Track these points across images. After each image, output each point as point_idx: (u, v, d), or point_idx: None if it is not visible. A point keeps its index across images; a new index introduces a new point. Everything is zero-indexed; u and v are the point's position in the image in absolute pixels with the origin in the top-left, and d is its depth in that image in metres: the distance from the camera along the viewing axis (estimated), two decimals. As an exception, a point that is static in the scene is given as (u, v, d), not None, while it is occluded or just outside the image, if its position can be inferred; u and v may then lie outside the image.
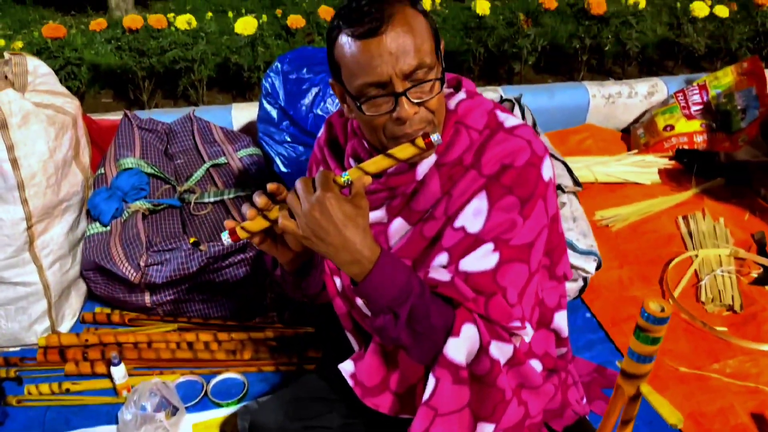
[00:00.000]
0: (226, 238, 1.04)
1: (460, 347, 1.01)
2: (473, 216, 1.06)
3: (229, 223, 1.04)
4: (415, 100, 1.01)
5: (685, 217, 2.33)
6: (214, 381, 1.69)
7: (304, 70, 2.01)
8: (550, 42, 3.24)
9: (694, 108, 2.69)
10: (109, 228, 1.80)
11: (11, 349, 1.78)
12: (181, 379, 1.69)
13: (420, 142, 0.99)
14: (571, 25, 3.37)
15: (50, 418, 1.59)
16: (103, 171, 1.91)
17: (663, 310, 0.84)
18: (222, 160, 2.07)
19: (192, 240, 1.65)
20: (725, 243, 2.18)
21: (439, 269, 1.06)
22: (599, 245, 2.15)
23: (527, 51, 2.96)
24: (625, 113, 3.00)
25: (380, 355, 1.13)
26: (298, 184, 0.95)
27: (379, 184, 1.14)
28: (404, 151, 1.01)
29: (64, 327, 1.83)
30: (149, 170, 1.93)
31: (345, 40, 1.01)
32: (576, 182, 2.02)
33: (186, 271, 1.69)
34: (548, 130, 2.86)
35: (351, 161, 1.20)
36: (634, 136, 2.83)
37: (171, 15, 2.67)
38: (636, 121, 3.00)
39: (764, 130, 2.43)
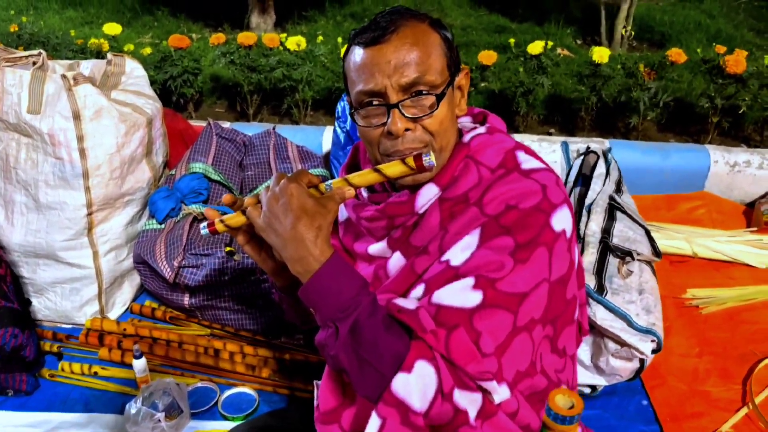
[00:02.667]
0: (203, 228, 1.03)
1: (411, 385, 0.86)
2: (460, 251, 0.96)
3: (209, 213, 1.03)
4: (409, 115, 0.95)
5: (796, 312, 1.99)
6: (227, 393, 1.67)
7: (346, 100, 1.98)
8: (680, 99, 2.97)
9: (834, 188, 2.31)
10: (163, 226, 1.87)
11: (62, 326, 1.89)
12: (198, 384, 1.69)
13: (410, 161, 0.93)
14: (704, 83, 3.07)
15: (72, 398, 1.66)
16: (174, 172, 2.00)
17: (572, 406, 0.68)
18: (288, 176, 2.09)
19: (228, 249, 1.67)
20: (840, 351, 1.83)
21: (402, 299, 0.96)
22: (680, 327, 1.89)
23: (645, 104, 2.73)
24: (754, 185, 2.64)
25: (334, 380, 1.03)
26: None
27: (376, 210, 1.07)
28: (393, 168, 0.95)
29: (113, 314, 1.92)
30: (215, 177, 1.99)
31: (352, 49, 1.00)
32: (655, 251, 1.79)
33: (218, 277, 1.71)
34: (656, 192, 2.60)
35: (362, 190, 1.15)
36: (757, 212, 2.48)
37: (284, 35, 2.78)
38: (764, 195, 2.64)
39: None
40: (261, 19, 4.18)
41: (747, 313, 2.01)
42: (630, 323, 1.58)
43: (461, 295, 0.91)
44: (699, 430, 1.59)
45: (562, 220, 0.97)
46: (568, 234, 0.99)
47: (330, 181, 0.95)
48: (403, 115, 0.95)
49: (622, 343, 1.59)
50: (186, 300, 1.81)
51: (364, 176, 0.97)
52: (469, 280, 0.92)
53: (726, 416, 1.62)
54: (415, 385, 0.86)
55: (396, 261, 1.07)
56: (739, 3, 5.30)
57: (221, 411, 1.62)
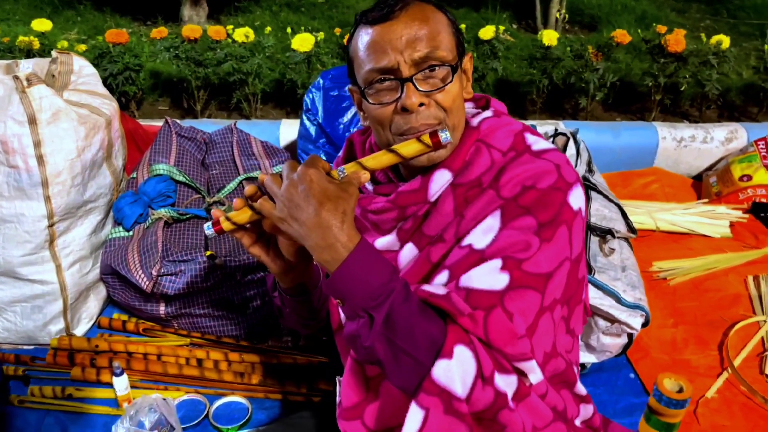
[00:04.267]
0: (208, 228, 0.96)
1: (453, 371, 0.82)
2: (482, 233, 0.93)
3: (215, 212, 0.97)
4: (423, 89, 0.93)
5: (755, 278, 2.09)
6: (217, 403, 1.60)
7: (346, 88, 1.93)
8: (622, 78, 3.06)
9: (776, 158, 2.45)
10: (131, 233, 1.76)
11: (24, 347, 1.75)
12: (185, 397, 1.61)
13: (426, 138, 0.91)
14: (646, 63, 3.18)
15: (48, 423, 1.54)
16: (135, 175, 1.89)
17: (681, 390, 0.68)
18: (257, 173, 2.01)
19: (208, 253, 1.59)
20: (800, 310, 1.94)
21: (433, 285, 0.93)
22: (653, 299, 1.95)
23: (595, 86, 2.80)
24: (699, 159, 2.77)
25: (357, 375, 0.99)
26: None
27: (387, 201, 1.04)
28: (408, 147, 0.93)
29: (80, 330, 1.80)
30: (180, 178, 1.89)
31: (359, 29, 0.97)
32: (631, 228, 1.84)
33: (200, 284, 1.62)
34: (611, 170, 2.68)
35: (367, 182, 1.10)
36: (706, 185, 2.60)
37: (230, 27, 2.68)
38: (709, 168, 2.77)
39: None
40: (193, 11, 4.02)
41: (710, 281, 2.10)
42: (619, 300, 1.62)
43: (490, 277, 0.89)
44: (686, 397, 1.65)
45: (577, 198, 0.97)
46: (583, 212, 1.00)
47: (342, 167, 0.91)
48: (417, 88, 0.93)
49: (612, 320, 1.62)
50: (162, 309, 1.72)
51: (379, 158, 0.93)
52: (497, 262, 0.89)
53: (708, 382, 1.69)
54: (457, 371, 0.83)
55: (408, 252, 1.04)
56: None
57: (213, 423, 1.55)
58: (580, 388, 1.10)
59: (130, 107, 2.84)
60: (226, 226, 0.96)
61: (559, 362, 1.02)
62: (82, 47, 2.69)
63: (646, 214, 2.33)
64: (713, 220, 2.38)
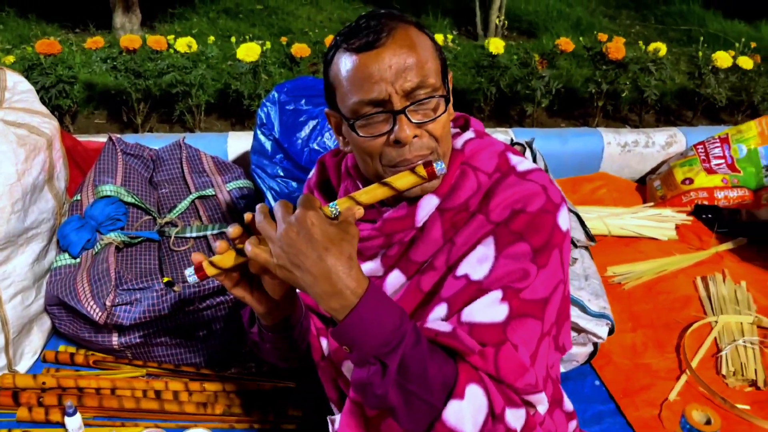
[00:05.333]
0: (191, 274, 0.89)
1: (464, 412, 0.81)
2: (478, 263, 0.92)
3: (196, 257, 0.90)
4: (416, 121, 0.90)
5: (703, 278, 2.17)
6: (179, 437, 1.52)
7: (303, 101, 1.88)
8: (566, 85, 3.13)
9: (714, 162, 2.55)
10: (78, 260, 1.65)
11: (-39, 388, 1.61)
12: (144, 432, 1.52)
13: (421, 170, 0.88)
14: (588, 70, 3.26)
15: (-7, 471, 1.43)
16: (79, 198, 1.78)
17: (709, 422, 0.68)
18: (209, 191, 1.93)
19: (165, 280, 1.50)
20: (747, 309, 2.01)
21: (437, 322, 0.90)
22: (612, 304, 1.97)
23: (541, 93, 2.84)
24: (641, 163, 2.86)
25: (356, 416, 0.95)
26: (277, 206, 0.81)
27: (373, 229, 1.00)
28: (403, 179, 0.89)
29: (23, 366, 1.67)
30: (129, 199, 1.79)
31: (342, 57, 0.92)
32: (589, 236, 1.87)
33: (157, 313, 1.53)
34: (559, 176, 2.73)
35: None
36: (651, 188, 2.68)
37: (171, 37, 2.57)
38: (652, 171, 2.86)
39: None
40: (126, 18, 3.85)
41: (662, 284, 2.16)
42: (584, 309, 1.64)
43: (491, 309, 0.88)
44: (650, 402, 1.68)
45: (565, 219, 0.98)
46: (570, 231, 1.00)
47: (335, 203, 0.87)
48: (410, 121, 0.90)
49: (579, 330, 1.64)
50: (115, 340, 1.62)
51: (372, 192, 0.90)
52: (497, 293, 0.89)
53: (670, 385, 1.73)
54: (468, 411, 0.81)
55: (395, 279, 1.02)
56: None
57: (176, 459, 1.47)
58: (567, 405, 1.10)
59: (64, 122, 2.68)
60: (210, 271, 0.89)
61: (552, 383, 1.03)
62: (10, 59, 2.52)
63: (598, 219, 2.38)
64: (660, 223, 2.45)
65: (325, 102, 1.00)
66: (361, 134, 0.92)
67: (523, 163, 1.01)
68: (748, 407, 1.67)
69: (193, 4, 4.24)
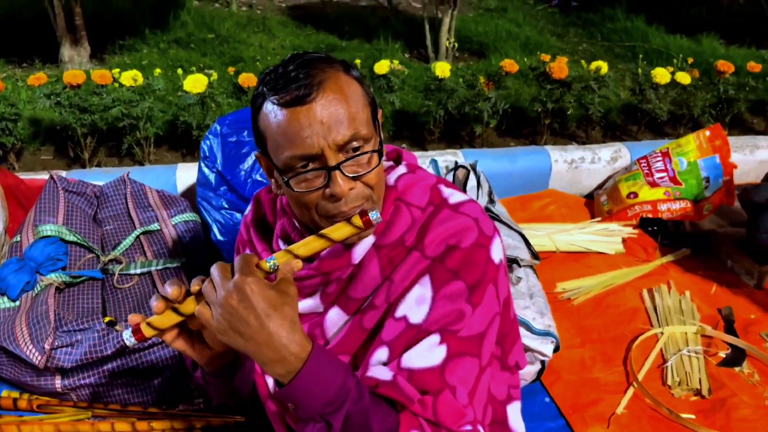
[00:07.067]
0: (128, 337, 0.88)
1: None
2: (416, 304, 0.94)
3: (133, 318, 0.89)
4: (351, 175, 0.90)
5: (650, 290, 2.22)
6: (126, 480, 1.49)
7: (245, 133, 1.89)
8: (513, 105, 3.19)
9: (657, 175, 2.63)
10: (17, 303, 1.62)
11: None
12: (89, 478, 1.49)
13: (357, 220, 0.89)
14: (534, 89, 3.33)
15: None
16: (19, 239, 1.75)
17: None
18: (154, 226, 1.91)
19: (107, 319, 1.47)
20: (692, 319, 2.07)
21: (378, 367, 0.93)
22: (560, 320, 2.02)
23: (488, 114, 2.90)
24: (589, 179, 2.93)
25: None
26: (214, 269, 0.81)
27: (310, 269, 1.01)
28: (339, 231, 0.90)
29: (-37, 414, 1.62)
30: (71, 238, 1.76)
31: (270, 109, 0.90)
32: (534, 255, 1.90)
33: (99, 354, 1.51)
34: (509, 195, 2.78)
35: (280, 243, 1.07)
36: (598, 203, 2.74)
37: (117, 71, 2.56)
38: (599, 187, 2.93)
39: (743, 199, 2.35)
40: (74, 51, 3.80)
41: (610, 297, 2.21)
42: (529, 328, 1.66)
43: (430, 353, 0.92)
44: (598, 416, 1.71)
45: (498, 251, 1.00)
46: (504, 261, 1.02)
47: (273, 256, 0.87)
48: (345, 175, 0.90)
49: (525, 349, 1.66)
50: (58, 383, 1.59)
51: (310, 244, 0.89)
52: (435, 337, 0.92)
53: (617, 399, 1.77)
54: None
55: (335, 316, 1.02)
56: (536, 11, 5.85)
57: (123, 503, 1.44)
58: (514, 425, 1.12)
59: (8, 159, 2.64)
60: (148, 332, 0.88)
61: (495, 406, 1.07)
62: (-50, 97, 2.48)
63: (546, 236, 2.42)
64: (607, 237, 2.51)
65: (255, 145, 1.00)
66: (295, 189, 0.92)
67: (454, 195, 1.03)
68: (693, 416, 1.71)
69: (143, 35, 4.21)
